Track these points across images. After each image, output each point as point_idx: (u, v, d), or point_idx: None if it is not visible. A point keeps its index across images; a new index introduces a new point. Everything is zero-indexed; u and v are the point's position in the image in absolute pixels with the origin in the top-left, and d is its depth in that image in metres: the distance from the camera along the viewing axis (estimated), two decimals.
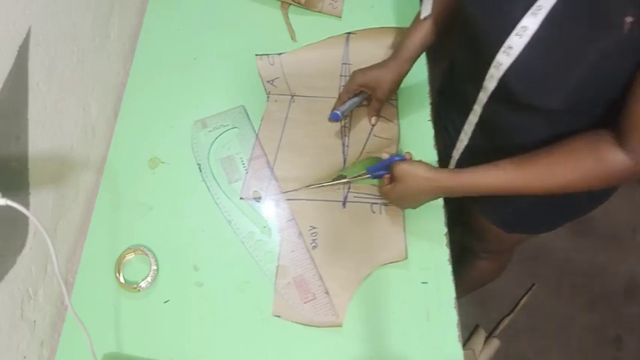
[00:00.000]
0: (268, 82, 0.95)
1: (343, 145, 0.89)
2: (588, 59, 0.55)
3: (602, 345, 1.50)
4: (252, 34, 1.02)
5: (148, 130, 0.91)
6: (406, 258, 0.79)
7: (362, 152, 0.88)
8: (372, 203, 0.83)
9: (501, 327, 1.48)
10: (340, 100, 0.89)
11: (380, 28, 1.00)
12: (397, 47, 0.85)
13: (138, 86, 0.96)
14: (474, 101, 0.72)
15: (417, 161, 0.73)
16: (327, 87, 0.95)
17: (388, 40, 0.98)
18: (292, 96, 0.94)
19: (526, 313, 1.52)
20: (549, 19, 0.56)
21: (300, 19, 1.04)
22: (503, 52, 0.60)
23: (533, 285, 1.55)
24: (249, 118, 0.92)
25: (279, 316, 0.75)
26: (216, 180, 0.86)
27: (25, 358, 0.69)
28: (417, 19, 0.83)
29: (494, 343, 1.42)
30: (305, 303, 0.76)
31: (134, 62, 0.98)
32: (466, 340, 1.43)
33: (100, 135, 0.89)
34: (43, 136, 0.71)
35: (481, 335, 1.43)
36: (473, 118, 0.75)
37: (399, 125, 0.91)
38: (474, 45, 0.68)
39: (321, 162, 0.87)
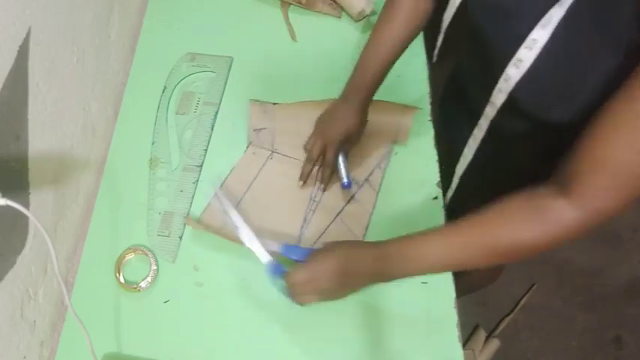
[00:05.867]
0: (255, 130, 0.89)
1: (305, 220, 0.83)
2: (598, 73, 0.53)
3: (602, 345, 1.50)
4: (252, 34, 1.02)
5: (148, 130, 0.91)
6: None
7: (324, 232, 0.82)
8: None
9: (501, 327, 1.48)
10: (328, 169, 0.82)
11: (390, 102, 0.89)
12: (354, 71, 0.78)
13: (138, 86, 0.96)
14: (479, 115, 0.70)
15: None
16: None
17: (395, 115, 0.88)
18: (272, 152, 0.88)
19: (526, 313, 1.52)
20: (558, 31, 0.54)
21: (300, 19, 1.04)
22: (513, 64, 0.58)
23: (533, 285, 1.55)
24: (229, 71, 0.96)
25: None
26: (168, 105, 0.93)
27: (25, 358, 0.69)
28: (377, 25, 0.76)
29: (494, 343, 1.42)
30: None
31: (134, 62, 0.98)
32: (466, 340, 1.43)
33: (100, 135, 0.89)
34: (43, 136, 0.71)
35: (481, 335, 1.43)
36: (478, 133, 0.72)
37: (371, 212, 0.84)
38: (481, 57, 0.66)
39: (277, 223, 0.82)
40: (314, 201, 0.84)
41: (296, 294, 0.62)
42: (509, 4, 0.58)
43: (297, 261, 0.65)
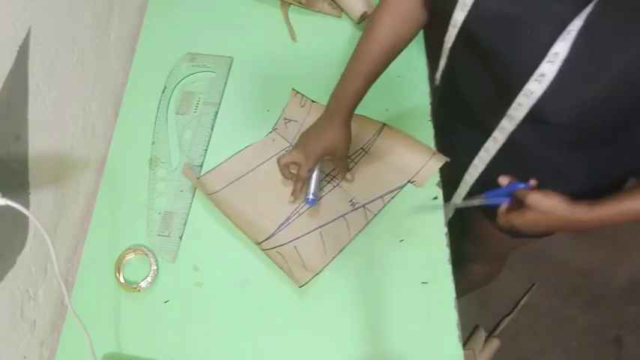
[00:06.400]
0: (285, 119, 0.90)
1: (287, 219, 0.82)
2: (620, 73, 0.53)
3: (602, 345, 1.50)
4: (252, 34, 1.02)
5: (148, 130, 0.91)
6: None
7: (297, 238, 0.81)
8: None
9: (501, 327, 1.48)
10: (300, 182, 0.81)
11: (421, 143, 0.88)
12: (336, 87, 0.78)
13: (138, 86, 0.96)
14: (492, 128, 0.69)
15: (553, 193, 0.65)
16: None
17: (422, 157, 0.86)
18: (290, 144, 0.88)
19: (526, 313, 1.52)
20: (579, 40, 0.54)
21: (300, 18, 1.04)
22: (535, 80, 0.57)
23: (533, 285, 1.55)
24: (229, 71, 0.97)
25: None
26: (168, 105, 0.93)
27: (25, 358, 0.69)
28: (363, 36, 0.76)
29: (494, 343, 1.42)
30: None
31: (134, 62, 0.98)
32: (466, 340, 1.43)
33: (100, 135, 0.89)
34: (43, 136, 0.71)
35: (481, 335, 1.43)
36: (492, 145, 0.71)
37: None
38: (493, 74, 0.66)
39: (259, 213, 0.82)
40: (305, 205, 0.83)
41: (511, 226, 0.70)
42: (524, 16, 0.57)
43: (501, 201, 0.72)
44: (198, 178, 0.84)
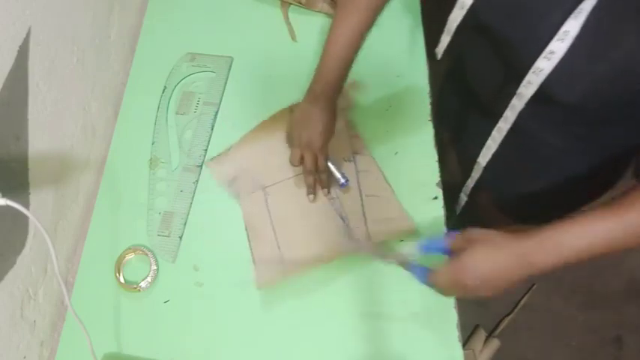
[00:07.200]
0: (230, 185, 0.85)
1: (342, 218, 0.82)
2: (630, 54, 0.53)
3: (602, 345, 1.50)
4: (252, 34, 1.02)
5: (148, 130, 0.91)
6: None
7: (365, 219, 0.82)
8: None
9: (501, 327, 1.48)
10: (312, 177, 0.81)
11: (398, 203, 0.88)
12: (316, 71, 0.78)
13: (138, 86, 0.96)
14: (503, 107, 0.68)
15: (487, 230, 0.59)
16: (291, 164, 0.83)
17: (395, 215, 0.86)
18: (264, 189, 0.85)
19: (526, 313, 1.52)
20: (590, 19, 0.54)
21: (300, 18, 1.04)
22: (544, 57, 0.58)
23: (533, 285, 1.55)
24: (229, 71, 0.97)
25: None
26: (168, 105, 0.93)
27: (25, 358, 0.69)
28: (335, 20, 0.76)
29: (494, 343, 1.42)
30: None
31: (134, 62, 0.98)
32: (466, 340, 1.43)
33: (100, 135, 0.89)
34: (43, 136, 0.71)
35: (481, 335, 1.43)
36: (504, 125, 0.70)
37: (373, 157, 0.87)
38: (502, 52, 0.66)
39: (322, 239, 0.81)
40: (336, 204, 0.83)
41: (443, 292, 0.61)
42: (536, 1, 0.58)
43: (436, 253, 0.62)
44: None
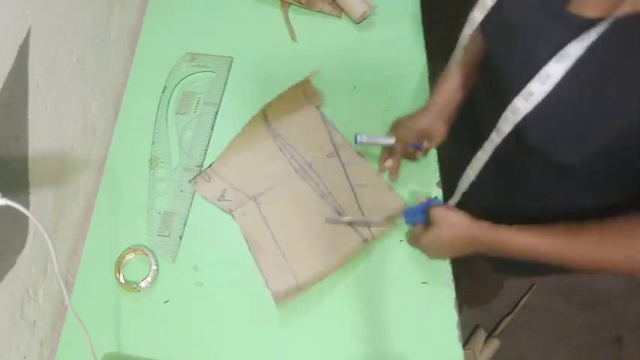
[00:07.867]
0: (220, 200, 0.84)
1: (338, 212, 0.83)
2: (614, 122, 0.50)
3: (602, 345, 1.50)
4: (252, 34, 1.02)
5: (148, 130, 0.91)
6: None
7: (361, 210, 0.83)
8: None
9: (501, 327, 1.48)
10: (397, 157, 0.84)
11: (288, 89, 0.94)
12: (430, 101, 0.81)
13: (138, 86, 0.96)
14: (484, 138, 0.67)
15: (456, 209, 0.68)
16: (277, 170, 0.86)
17: (299, 96, 0.92)
18: (255, 200, 0.84)
19: (526, 313, 1.51)
20: (575, 69, 0.52)
21: (300, 18, 1.04)
22: (523, 97, 0.55)
23: (533, 285, 1.55)
24: (229, 71, 0.97)
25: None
26: (168, 105, 0.93)
27: (25, 358, 0.69)
28: (445, 72, 0.80)
29: (494, 343, 1.42)
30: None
31: (134, 62, 0.98)
32: (466, 340, 1.43)
33: (100, 135, 0.89)
34: (43, 136, 0.71)
35: (481, 335, 1.43)
36: (482, 156, 0.69)
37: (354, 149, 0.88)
38: (494, 84, 0.65)
39: (323, 239, 0.81)
40: (330, 199, 0.84)
41: (419, 249, 0.73)
42: (524, 29, 0.56)
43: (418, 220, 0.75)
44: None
